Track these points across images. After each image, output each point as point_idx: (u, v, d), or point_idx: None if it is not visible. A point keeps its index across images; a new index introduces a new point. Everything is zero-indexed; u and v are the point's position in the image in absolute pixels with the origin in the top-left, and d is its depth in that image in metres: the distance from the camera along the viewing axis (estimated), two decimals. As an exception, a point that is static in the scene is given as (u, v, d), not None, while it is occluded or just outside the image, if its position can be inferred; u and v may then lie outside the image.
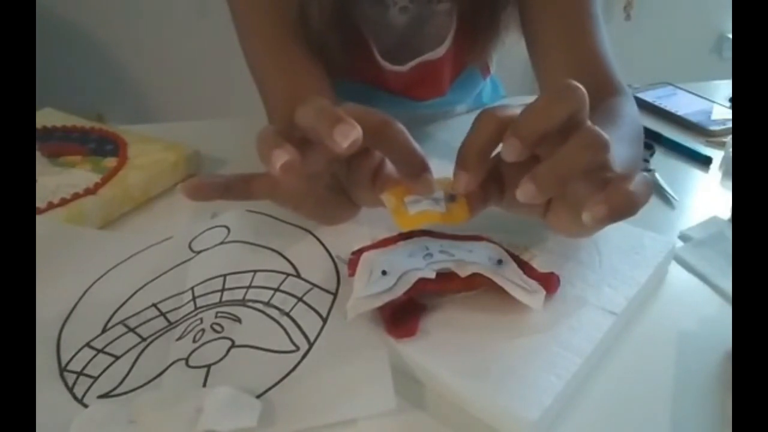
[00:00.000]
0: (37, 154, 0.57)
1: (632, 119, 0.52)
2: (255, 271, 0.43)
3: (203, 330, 0.38)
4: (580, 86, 0.34)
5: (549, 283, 0.40)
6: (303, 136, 0.36)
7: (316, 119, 0.34)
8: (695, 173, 0.62)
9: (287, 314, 0.39)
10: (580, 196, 0.35)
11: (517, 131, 0.34)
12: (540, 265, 0.41)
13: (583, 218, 0.33)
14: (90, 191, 0.52)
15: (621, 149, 0.40)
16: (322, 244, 0.46)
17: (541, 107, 0.34)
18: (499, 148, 0.35)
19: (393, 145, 0.38)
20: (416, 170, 0.38)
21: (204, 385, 0.35)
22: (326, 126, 0.33)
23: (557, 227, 0.40)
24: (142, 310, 0.41)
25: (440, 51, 0.64)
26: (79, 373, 0.37)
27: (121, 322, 0.40)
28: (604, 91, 0.54)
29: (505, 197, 0.41)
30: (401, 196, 0.40)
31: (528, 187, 0.33)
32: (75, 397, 0.35)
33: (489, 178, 0.39)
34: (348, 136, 0.33)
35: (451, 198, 0.40)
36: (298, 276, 0.43)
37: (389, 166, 0.41)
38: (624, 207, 0.32)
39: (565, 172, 0.33)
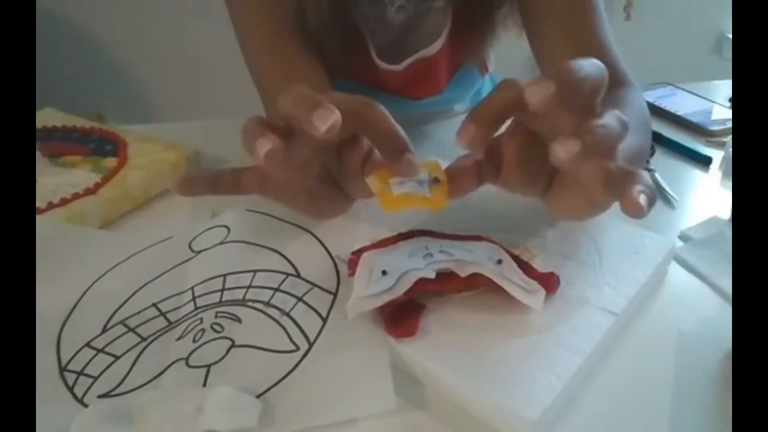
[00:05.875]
0: (37, 154, 0.57)
1: (639, 108, 0.52)
2: (255, 271, 0.43)
3: (203, 330, 0.38)
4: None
5: (549, 283, 0.40)
6: (288, 125, 0.36)
7: (295, 105, 0.35)
8: (695, 173, 0.62)
9: (287, 314, 0.39)
10: (583, 176, 0.34)
11: (557, 73, 0.32)
12: (540, 265, 0.41)
13: (551, 153, 0.31)
14: (90, 191, 0.52)
15: (627, 137, 0.40)
16: (322, 244, 0.46)
17: (577, 64, 0.33)
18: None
19: (374, 127, 0.38)
20: (398, 151, 0.39)
21: (204, 385, 0.35)
22: (305, 111, 0.34)
23: (556, 208, 0.40)
24: (142, 310, 0.41)
25: (435, 48, 0.64)
26: (79, 373, 0.37)
27: (121, 322, 0.40)
28: (610, 81, 0.54)
29: (502, 176, 0.39)
30: (386, 179, 0.40)
31: (572, 144, 0.31)
32: (75, 397, 0.35)
33: (487, 154, 0.38)
34: (326, 120, 0.33)
35: (435, 181, 0.40)
36: (298, 276, 0.43)
37: (377, 154, 0.41)
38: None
39: (606, 139, 0.32)
